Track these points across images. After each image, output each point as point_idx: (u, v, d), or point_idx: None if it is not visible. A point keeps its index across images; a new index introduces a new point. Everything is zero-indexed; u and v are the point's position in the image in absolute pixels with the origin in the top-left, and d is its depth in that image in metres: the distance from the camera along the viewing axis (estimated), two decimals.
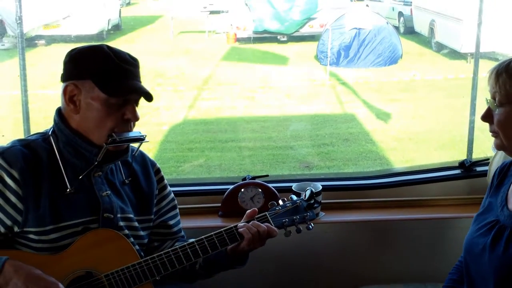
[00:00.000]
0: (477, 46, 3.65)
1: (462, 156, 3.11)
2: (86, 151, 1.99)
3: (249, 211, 2.15)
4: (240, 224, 2.09)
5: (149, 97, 2.01)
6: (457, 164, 3.00)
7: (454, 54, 11.05)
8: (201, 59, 11.74)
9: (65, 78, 2.00)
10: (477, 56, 3.67)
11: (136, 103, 2.03)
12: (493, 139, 1.89)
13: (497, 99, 1.80)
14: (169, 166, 6.67)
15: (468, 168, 2.94)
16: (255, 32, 13.07)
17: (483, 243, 1.90)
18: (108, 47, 2.00)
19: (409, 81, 10.25)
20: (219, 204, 2.76)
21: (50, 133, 2.04)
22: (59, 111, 2.04)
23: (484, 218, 1.98)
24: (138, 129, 2.09)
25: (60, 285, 1.82)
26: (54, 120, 2.04)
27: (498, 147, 1.86)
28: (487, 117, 1.84)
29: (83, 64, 1.97)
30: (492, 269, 1.84)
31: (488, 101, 1.84)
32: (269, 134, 7.89)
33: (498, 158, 2.63)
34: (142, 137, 2.05)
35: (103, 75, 1.95)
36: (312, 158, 7.12)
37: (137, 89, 1.99)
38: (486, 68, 1.91)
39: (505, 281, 1.81)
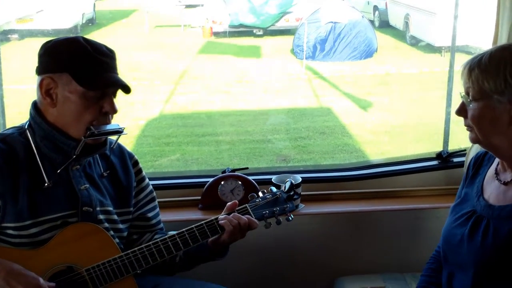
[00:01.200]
0: (453, 38, 3.69)
1: (436, 148, 3.13)
2: (63, 144, 1.97)
3: (229, 203, 2.15)
4: (221, 216, 2.09)
5: (127, 90, 2.00)
6: (434, 155, 3.02)
7: (429, 48, 11.15)
8: (177, 53, 11.69)
9: (40, 71, 1.96)
10: (453, 48, 3.71)
11: (114, 95, 2.01)
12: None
13: (470, 94, 1.81)
14: (146, 161, 6.64)
15: (445, 159, 2.97)
16: (231, 26, 13.03)
17: (461, 233, 1.92)
18: (84, 39, 1.98)
19: (384, 75, 10.31)
20: (199, 197, 2.75)
21: (26, 127, 2.01)
22: (35, 105, 2.01)
23: (461, 208, 2.00)
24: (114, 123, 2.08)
25: (41, 280, 1.81)
26: (30, 114, 2.01)
27: (473, 140, 1.88)
28: (462, 111, 1.86)
29: (59, 57, 1.94)
30: (470, 259, 1.86)
31: (462, 96, 1.85)
32: (246, 128, 7.89)
33: (475, 149, 2.66)
34: (120, 129, 2.04)
35: (80, 68, 1.92)
36: (289, 151, 7.14)
37: (115, 81, 1.97)
38: (460, 61, 1.93)
39: (484, 270, 1.83)
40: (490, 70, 1.77)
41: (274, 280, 2.84)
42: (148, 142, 7.38)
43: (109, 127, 2.01)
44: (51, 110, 1.97)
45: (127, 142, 6.81)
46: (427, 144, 6.88)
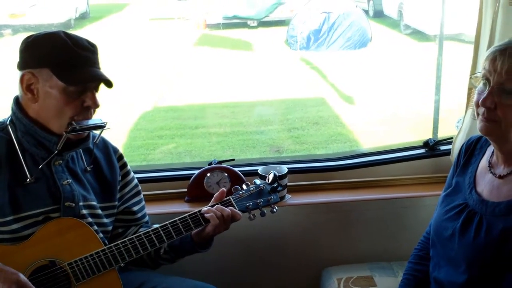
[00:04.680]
0: (442, 25, 3.68)
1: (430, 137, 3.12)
2: (45, 140, 1.97)
3: (217, 193, 2.17)
4: (204, 208, 2.10)
5: (109, 84, 1.99)
6: (421, 144, 3.02)
7: (423, 37, 11.12)
8: (171, 46, 11.64)
9: (21, 66, 1.96)
10: (442, 35, 3.70)
11: (96, 90, 2.00)
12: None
13: (500, 83, 1.71)
14: (139, 154, 6.61)
15: (432, 148, 2.96)
16: (225, 18, 12.98)
17: (452, 227, 1.88)
18: (65, 33, 1.97)
19: (378, 64, 10.28)
20: (186, 190, 2.75)
21: (8, 122, 2.01)
22: (16, 100, 2.01)
23: (452, 199, 1.96)
24: (107, 116, 2.07)
25: (20, 275, 1.80)
26: (12, 109, 2.01)
27: (489, 132, 1.79)
28: (492, 103, 1.73)
29: (39, 52, 1.94)
30: (462, 255, 1.83)
31: (496, 87, 1.72)
32: (239, 119, 7.86)
33: (461, 137, 2.66)
34: (103, 124, 2.03)
35: (60, 63, 1.92)
36: (283, 142, 7.11)
37: (96, 76, 1.96)
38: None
39: (476, 267, 1.80)
40: None
41: (261, 271, 2.84)
42: (141, 135, 7.34)
43: (91, 122, 2.01)
44: (33, 105, 1.96)
45: (120, 135, 6.80)
46: (421, 133, 6.85)
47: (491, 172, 1.87)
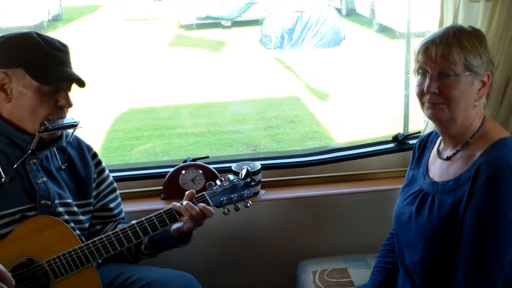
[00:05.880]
0: (408, 23, 3.76)
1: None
2: (18, 139, 2.00)
3: (187, 192, 2.20)
4: (177, 204, 2.13)
5: (81, 84, 2.03)
6: (391, 138, 3.09)
7: (394, 34, 11.23)
8: (145, 47, 11.61)
9: None
10: (409, 32, 3.78)
11: (69, 89, 2.04)
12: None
13: (448, 69, 1.82)
14: (116, 155, 6.62)
15: (401, 142, 3.03)
16: (198, 18, 12.97)
17: (409, 211, 2.01)
18: (38, 34, 2.00)
19: (352, 62, 10.36)
20: (161, 187, 2.79)
21: None
22: None
23: (409, 189, 2.09)
24: (83, 118, 2.10)
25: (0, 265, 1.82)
26: None
27: (440, 116, 1.89)
28: (433, 88, 1.84)
29: (13, 52, 1.97)
30: (419, 234, 1.94)
31: (436, 72, 1.84)
32: (215, 119, 7.89)
33: (428, 130, 2.71)
34: (75, 123, 2.07)
35: (34, 62, 1.95)
36: (259, 141, 7.16)
37: (69, 75, 2.00)
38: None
39: (432, 243, 1.91)
40: (469, 46, 1.82)
41: (237, 265, 2.88)
42: (118, 136, 7.34)
43: (63, 121, 2.04)
44: (6, 105, 1.99)
45: (96, 137, 6.80)
46: (396, 128, 6.94)
47: (440, 158, 2.00)
